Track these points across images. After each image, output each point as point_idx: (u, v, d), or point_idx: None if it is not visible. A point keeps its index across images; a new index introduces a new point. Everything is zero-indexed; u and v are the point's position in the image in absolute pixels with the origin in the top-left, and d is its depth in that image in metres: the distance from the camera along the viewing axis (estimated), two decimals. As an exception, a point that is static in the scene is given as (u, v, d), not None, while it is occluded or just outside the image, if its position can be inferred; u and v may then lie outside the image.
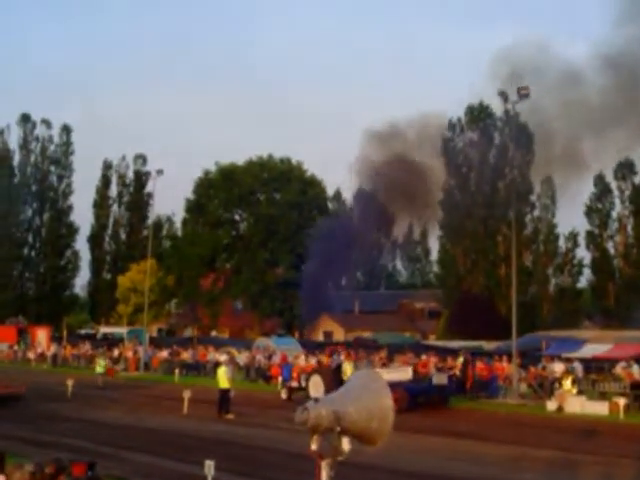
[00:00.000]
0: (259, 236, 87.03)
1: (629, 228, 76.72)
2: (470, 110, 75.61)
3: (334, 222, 78.44)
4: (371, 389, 5.69)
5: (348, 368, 37.49)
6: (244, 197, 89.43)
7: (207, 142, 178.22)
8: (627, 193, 76.97)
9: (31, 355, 66.81)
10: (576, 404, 33.60)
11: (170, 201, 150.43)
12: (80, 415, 30.31)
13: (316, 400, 5.45)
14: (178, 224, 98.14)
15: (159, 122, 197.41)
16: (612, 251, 77.51)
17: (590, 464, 21.27)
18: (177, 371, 51.27)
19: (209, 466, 13.24)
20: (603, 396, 35.14)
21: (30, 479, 8.41)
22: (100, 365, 48.27)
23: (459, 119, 76.74)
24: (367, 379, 5.95)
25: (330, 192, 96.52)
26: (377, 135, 74.89)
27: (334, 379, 35.76)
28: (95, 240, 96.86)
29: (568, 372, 37.11)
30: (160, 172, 62.60)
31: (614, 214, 77.29)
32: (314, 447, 5.55)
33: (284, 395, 39.65)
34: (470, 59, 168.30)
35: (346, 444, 5.48)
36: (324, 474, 5.49)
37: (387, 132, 74.63)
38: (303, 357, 47.97)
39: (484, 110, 75.42)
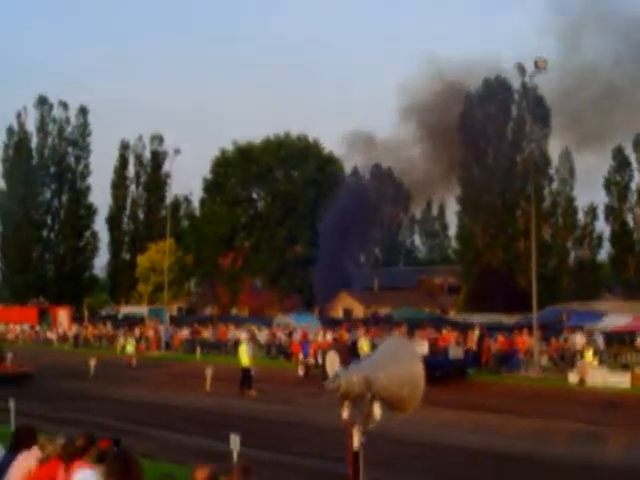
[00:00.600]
0: (277, 214, 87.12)
1: (649, 201, 76.37)
2: (486, 83, 74.90)
3: (350, 196, 78.16)
4: (402, 356, 5.71)
5: (365, 344, 37.57)
6: (262, 175, 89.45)
7: (224, 120, 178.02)
8: (646, 165, 76.58)
9: (53, 335, 67.21)
10: (598, 376, 33.51)
11: (188, 180, 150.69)
12: (103, 393, 30.56)
13: (356, 359, 5.50)
14: (196, 204, 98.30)
15: (176, 102, 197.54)
16: (631, 224, 77.19)
17: (614, 436, 21.28)
18: (198, 349, 51.48)
19: (235, 440, 13.28)
20: (625, 368, 35.05)
21: (62, 451, 8.50)
22: (130, 344, 48.77)
23: (477, 91, 76.05)
24: (397, 346, 5.97)
25: (348, 169, 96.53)
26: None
27: (350, 355, 35.84)
28: (114, 221, 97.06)
29: (589, 344, 37.06)
30: (177, 152, 62.73)
31: (633, 186, 76.95)
32: (345, 414, 5.58)
33: (301, 372, 39.79)
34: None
35: (377, 410, 5.50)
36: (356, 441, 5.52)
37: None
38: (322, 334, 48.01)
39: (502, 83, 74.81)
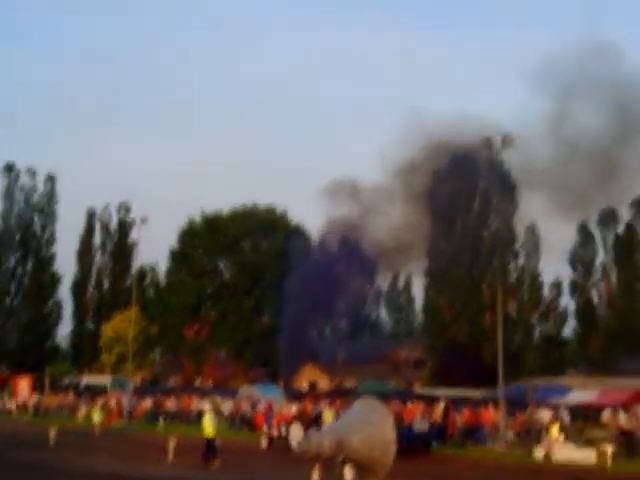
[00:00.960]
0: (244, 284, 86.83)
1: (613, 277, 76.98)
2: (454, 158, 75.44)
3: (316, 267, 77.87)
4: (374, 419, 5.64)
5: (328, 416, 37.33)
6: (229, 246, 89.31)
7: (192, 190, 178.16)
8: (610, 242, 77.36)
9: (12, 405, 66.11)
10: (563, 452, 33.42)
11: (154, 250, 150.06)
12: (62, 464, 29.97)
13: (318, 429, 5.39)
14: (162, 273, 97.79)
15: (144, 170, 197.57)
16: (596, 300, 77.67)
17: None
18: (161, 420, 50.86)
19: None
20: (590, 443, 34.90)
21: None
22: (97, 414, 48.26)
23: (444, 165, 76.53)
24: (369, 408, 5.90)
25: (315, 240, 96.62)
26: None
27: (314, 427, 35.62)
28: (78, 289, 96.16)
29: (555, 419, 36.98)
30: (144, 220, 62.76)
31: (598, 262, 77.61)
32: (315, 477, 5.47)
33: (264, 443, 39.51)
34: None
35: (348, 473, 5.40)
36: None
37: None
38: (286, 406, 47.66)
39: (468, 158, 75.37)
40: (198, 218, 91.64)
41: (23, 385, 73.14)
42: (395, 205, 72.39)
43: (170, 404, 56.48)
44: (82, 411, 58.16)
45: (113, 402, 59.39)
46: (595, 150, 54.34)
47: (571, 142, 55.35)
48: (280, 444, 36.69)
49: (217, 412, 44.46)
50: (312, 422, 36.70)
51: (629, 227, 77.37)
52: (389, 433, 5.59)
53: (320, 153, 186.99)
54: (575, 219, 72.73)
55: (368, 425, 5.52)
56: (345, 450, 5.31)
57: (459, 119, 70.49)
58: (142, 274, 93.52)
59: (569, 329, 79.23)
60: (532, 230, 76.15)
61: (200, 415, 39.46)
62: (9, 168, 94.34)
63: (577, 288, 77.42)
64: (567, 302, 78.54)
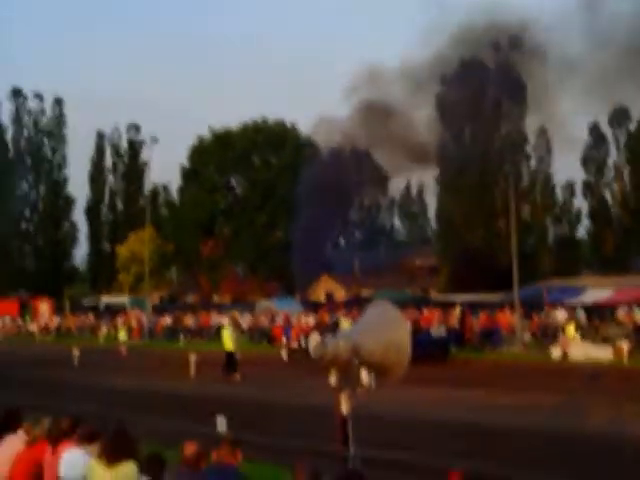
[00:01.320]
0: (256, 200, 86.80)
1: (626, 176, 76.65)
2: (462, 62, 74.54)
3: (328, 174, 77.39)
4: (387, 321, 5.71)
5: (346, 325, 37.58)
6: (239, 161, 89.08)
7: (201, 107, 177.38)
8: (622, 140, 76.83)
9: (34, 328, 66.91)
10: (580, 350, 33.71)
11: (166, 169, 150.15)
12: (87, 382, 30.45)
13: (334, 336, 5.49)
14: (175, 192, 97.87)
15: (151, 90, 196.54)
16: (609, 200, 77.49)
17: (597, 406, 21.40)
18: (181, 336, 51.46)
19: (221, 422, 13.18)
20: (606, 341, 35.20)
21: (48, 433, 8.48)
22: (122, 333, 48.84)
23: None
24: (383, 312, 5.96)
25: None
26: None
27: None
28: (92, 211, 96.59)
29: (571, 319, 37.25)
30: (154, 140, 62.57)
31: (610, 162, 77.24)
32: (333, 381, 5.58)
33: (285, 356, 39.78)
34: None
35: (365, 376, 5.50)
36: (345, 406, 5.51)
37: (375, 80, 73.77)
38: (303, 317, 48.10)
39: (477, 62, 74.49)
40: (208, 135, 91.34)
41: (44, 308, 73.96)
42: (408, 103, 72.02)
43: (189, 321, 57.03)
44: (103, 331, 58.83)
45: (133, 321, 60.01)
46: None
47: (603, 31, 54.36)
48: (300, 355, 37.05)
49: (236, 326, 44.92)
50: (330, 332, 37.00)
51: (641, 125, 76.79)
52: (403, 335, 5.65)
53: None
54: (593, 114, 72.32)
55: (382, 328, 5.58)
56: (360, 354, 5.39)
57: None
58: (155, 194, 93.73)
59: (583, 230, 79.38)
60: (543, 132, 75.71)
61: (219, 330, 39.77)
62: (16, 93, 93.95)
63: (590, 189, 77.25)
64: (580, 203, 78.56)
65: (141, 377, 32.35)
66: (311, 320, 45.23)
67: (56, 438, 8.39)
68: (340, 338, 5.55)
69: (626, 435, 16.74)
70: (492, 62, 71.10)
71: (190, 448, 7.27)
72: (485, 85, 70.97)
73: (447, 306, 46.78)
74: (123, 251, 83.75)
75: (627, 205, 75.64)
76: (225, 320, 42.31)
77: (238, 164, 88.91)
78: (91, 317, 66.19)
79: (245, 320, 53.75)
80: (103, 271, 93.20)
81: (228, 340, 31.66)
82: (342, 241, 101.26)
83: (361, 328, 5.67)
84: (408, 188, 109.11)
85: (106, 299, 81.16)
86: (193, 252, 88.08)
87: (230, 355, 31.32)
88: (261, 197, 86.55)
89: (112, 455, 7.24)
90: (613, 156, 77.20)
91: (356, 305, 53.02)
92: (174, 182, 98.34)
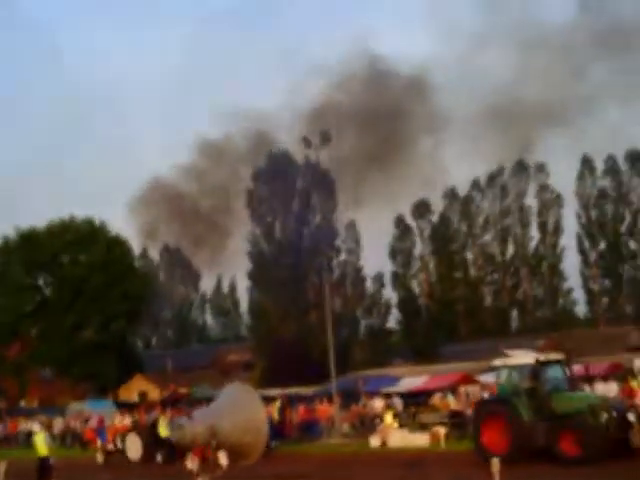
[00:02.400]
0: (65, 300, 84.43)
1: (431, 267, 79.35)
2: (271, 158, 75.79)
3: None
4: (244, 403, 5.60)
5: (162, 423, 36.77)
6: (47, 261, 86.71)
7: (4, 206, 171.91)
8: (426, 232, 79.74)
9: None
10: (398, 438, 34.10)
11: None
12: None
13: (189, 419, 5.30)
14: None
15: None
16: (417, 290, 79.87)
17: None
18: (-12, 444, 49.14)
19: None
20: (424, 427, 35.75)
21: None
22: None
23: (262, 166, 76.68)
24: (239, 394, 5.85)
25: (137, 251, 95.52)
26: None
27: (151, 435, 35.50)
28: None
29: (388, 407, 37.77)
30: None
31: (416, 253, 79.84)
32: (190, 465, 5.39)
33: (100, 459, 38.53)
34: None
35: (223, 459, 5.34)
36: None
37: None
38: (119, 418, 46.77)
39: (286, 158, 75.87)
40: (13, 234, 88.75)
41: None
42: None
43: (-4, 428, 54.58)
44: None
45: None
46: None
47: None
48: (117, 457, 35.96)
49: (48, 431, 43.17)
50: (149, 431, 36.23)
51: (443, 217, 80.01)
52: (260, 416, 5.56)
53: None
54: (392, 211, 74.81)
55: (239, 410, 5.48)
56: (218, 436, 5.25)
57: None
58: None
59: (394, 320, 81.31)
60: (352, 226, 77.66)
61: (30, 436, 38.11)
62: None
63: (398, 279, 79.41)
64: (390, 294, 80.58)
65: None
66: (127, 420, 43.96)
67: None
68: (197, 421, 5.40)
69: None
70: (302, 157, 72.91)
71: None
72: (294, 180, 72.59)
73: (266, 400, 46.48)
74: None
75: (433, 295, 78.20)
76: (36, 425, 40.60)
77: (46, 263, 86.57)
78: None
79: (57, 424, 51.78)
80: None
81: (42, 445, 30.27)
82: (154, 340, 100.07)
83: (218, 411, 5.54)
84: (219, 283, 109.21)
85: None
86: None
87: (44, 461, 29.93)
88: (70, 297, 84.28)
89: None
90: (419, 248, 79.95)
91: (172, 402, 52.16)
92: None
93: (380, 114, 61.28)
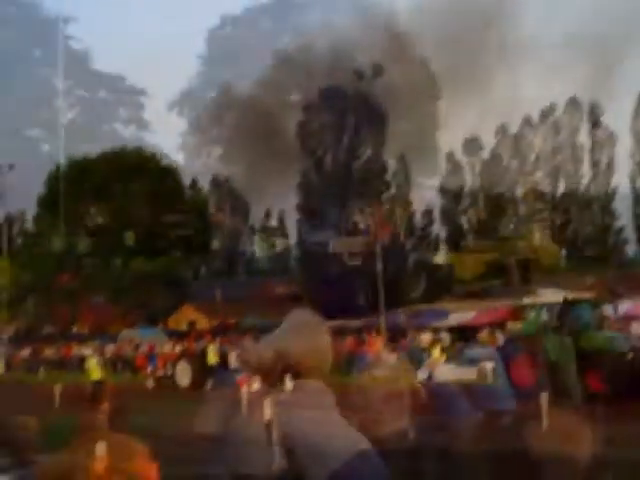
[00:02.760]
0: (116, 228, 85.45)
1: (481, 203, 78.97)
2: (325, 91, 75.45)
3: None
4: (308, 326, 5.69)
5: (211, 351, 37.44)
6: (97, 190, 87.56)
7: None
8: (477, 168, 79.30)
9: None
10: (446, 371, 34.23)
11: (22, 197, 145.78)
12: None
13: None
14: (31, 221, 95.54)
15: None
16: (466, 226, 79.62)
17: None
18: (42, 368, 50.06)
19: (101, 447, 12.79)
20: (471, 362, 35.81)
21: None
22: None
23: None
24: (303, 317, 5.95)
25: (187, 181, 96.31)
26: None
27: (200, 363, 36.13)
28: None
29: (436, 341, 37.91)
30: (11, 167, 60.99)
31: (466, 189, 79.47)
32: (255, 386, 5.51)
33: (150, 384, 39.40)
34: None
35: (288, 382, 5.46)
36: (268, 411, 5.44)
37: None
38: (169, 346, 47.53)
39: (338, 91, 75.48)
40: (65, 163, 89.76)
41: None
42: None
43: (50, 352, 55.57)
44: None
45: (-11, 353, 58.15)
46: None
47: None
48: (167, 383, 36.65)
49: (99, 356, 44.06)
50: (199, 359, 36.86)
51: (494, 154, 79.45)
52: (325, 340, 5.67)
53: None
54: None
55: (305, 334, 5.58)
56: (283, 359, 5.36)
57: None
58: (9, 222, 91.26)
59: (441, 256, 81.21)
60: (403, 160, 77.44)
61: (82, 361, 38.98)
62: None
63: (448, 215, 79.26)
64: (439, 229, 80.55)
65: (3, 410, 31.19)
66: (177, 348, 44.68)
67: None
68: (263, 345, 5.52)
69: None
70: (352, 90, 72.38)
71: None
72: (346, 112, 72.20)
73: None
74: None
75: (482, 232, 77.91)
76: (88, 350, 41.39)
77: (97, 192, 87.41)
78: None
79: (108, 350, 52.70)
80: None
81: (94, 369, 31.05)
82: (203, 269, 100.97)
83: (283, 334, 5.65)
84: (268, 215, 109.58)
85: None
86: (51, 282, 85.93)
87: (96, 384, 30.69)
88: (121, 226, 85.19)
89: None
90: (469, 183, 79.58)
91: (222, 331, 52.80)
92: (30, 211, 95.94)
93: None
